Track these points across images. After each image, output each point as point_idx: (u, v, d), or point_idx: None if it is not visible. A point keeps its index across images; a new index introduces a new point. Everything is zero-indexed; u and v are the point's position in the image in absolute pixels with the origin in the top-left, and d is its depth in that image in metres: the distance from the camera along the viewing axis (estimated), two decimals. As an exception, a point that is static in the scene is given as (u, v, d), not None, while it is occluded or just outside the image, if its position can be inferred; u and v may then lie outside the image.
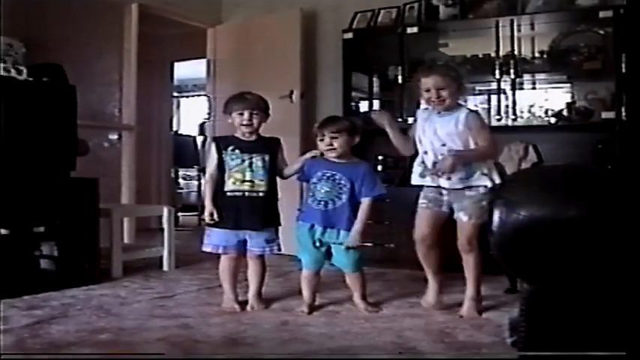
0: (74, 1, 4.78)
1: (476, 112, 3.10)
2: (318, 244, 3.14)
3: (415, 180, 3.15)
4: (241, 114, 3.17)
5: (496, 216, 1.26)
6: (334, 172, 3.11)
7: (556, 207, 1.21)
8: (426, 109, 3.15)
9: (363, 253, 3.19)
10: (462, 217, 3.02)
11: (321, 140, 3.13)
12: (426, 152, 3.09)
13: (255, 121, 3.18)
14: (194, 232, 6.14)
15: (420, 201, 3.13)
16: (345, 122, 3.21)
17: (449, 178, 2.98)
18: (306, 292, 3.19)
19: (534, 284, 1.32)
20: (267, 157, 3.19)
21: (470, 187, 2.99)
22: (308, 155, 3.26)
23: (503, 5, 4.50)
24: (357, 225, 3.08)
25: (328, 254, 3.18)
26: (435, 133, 3.04)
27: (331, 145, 3.11)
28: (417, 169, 3.15)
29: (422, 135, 3.11)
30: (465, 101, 3.42)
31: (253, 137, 3.22)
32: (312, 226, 3.13)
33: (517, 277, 1.40)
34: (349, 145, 3.14)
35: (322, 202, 3.11)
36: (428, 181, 3.09)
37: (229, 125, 3.30)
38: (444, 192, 3.06)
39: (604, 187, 1.24)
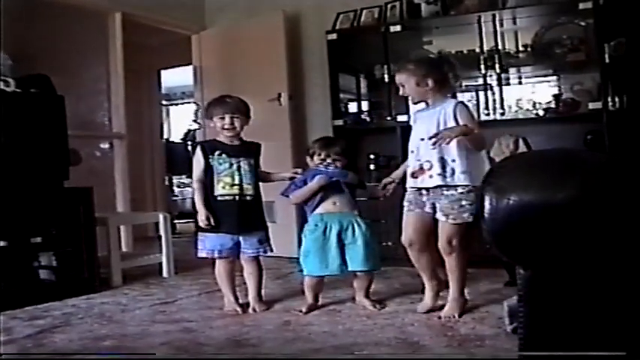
0: (58, 11, 4.76)
1: (462, 102, 3.04)
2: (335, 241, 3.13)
3: (407, 182, 3.09)
4: (222, 118, 3.21)
5: (487, 202, 1.24)
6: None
7: (546, 191, 1.21)
8: (419, 110, 3.14)
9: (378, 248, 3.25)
10: (440, 217, 2.95)
11: (322, 160, 3.20)
12: (412, 151, 3.04)
13: (237, 125, 3.22)
14: (191, 239, 6.10)
15: (404, 204, 3.08)
16: (343, 144, 3.31)
17: (430, 177, 2.92)
18: (309, 295, 3.22)
19: (530, 269, 1.32)
20: (252, 161, 3.25)
21: (447, 187, 2.90)
22: (291, 174, 3.29)
23: (484, 0, 4.53)
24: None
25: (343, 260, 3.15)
26: (422, 129, 3.00)
27: (333, 164, 3.21)
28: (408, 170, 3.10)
29: (413, 135, 3.08)
30: (455, 96, 3.41)
31: (237, 141, 3.26)
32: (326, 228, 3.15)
33: (512, 263, 1.41)
34: (344, 163, 3.26)
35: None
36: (413, 182, 3.03)
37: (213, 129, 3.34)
38: (424, 192, 2.99)
39: (593, 169, 1.24)
